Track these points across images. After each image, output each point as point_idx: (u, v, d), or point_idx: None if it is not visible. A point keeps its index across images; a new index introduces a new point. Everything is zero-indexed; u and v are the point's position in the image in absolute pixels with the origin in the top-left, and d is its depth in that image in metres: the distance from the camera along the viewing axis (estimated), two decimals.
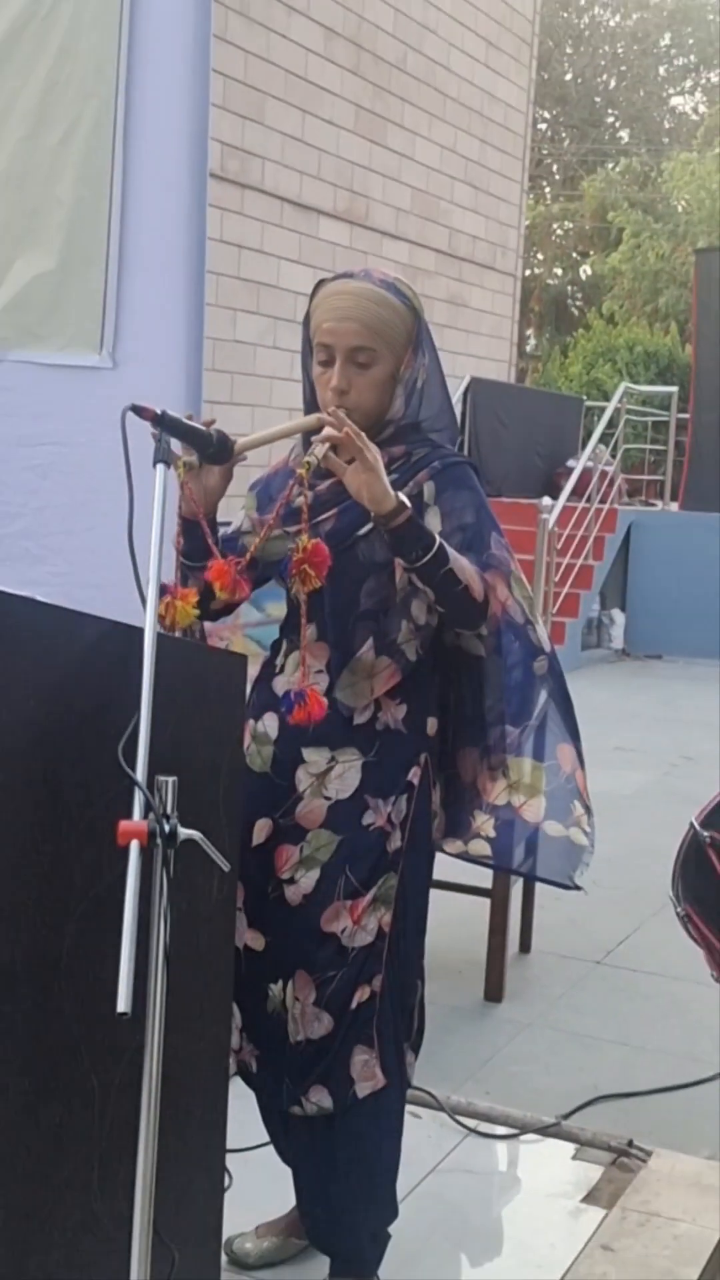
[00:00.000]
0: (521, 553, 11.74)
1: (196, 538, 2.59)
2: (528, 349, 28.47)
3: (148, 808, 1.96)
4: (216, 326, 10.62)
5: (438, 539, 2.50)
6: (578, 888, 2.82)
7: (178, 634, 2.55)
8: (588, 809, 2.80)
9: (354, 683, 2.63)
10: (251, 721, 2.73)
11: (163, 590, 2.43)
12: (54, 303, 3.73)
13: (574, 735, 2.80)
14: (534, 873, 2.83)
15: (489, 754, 2.77)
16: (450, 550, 2.52)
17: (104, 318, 3.73)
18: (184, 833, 1.99)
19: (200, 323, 3.90)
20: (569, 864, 2.80)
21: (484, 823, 2.78)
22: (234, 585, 2.48)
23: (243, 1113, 2.87)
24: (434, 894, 2.87)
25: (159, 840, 1.96)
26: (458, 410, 12.55)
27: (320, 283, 2.67)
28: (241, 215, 11.15)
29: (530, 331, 29.54)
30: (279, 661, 2.74)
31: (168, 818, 1.98)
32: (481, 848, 2.78)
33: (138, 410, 2.29)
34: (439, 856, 2.84)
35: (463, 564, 2.55)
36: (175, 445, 2.45)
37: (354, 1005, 2.65)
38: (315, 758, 2.66)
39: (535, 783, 2.75)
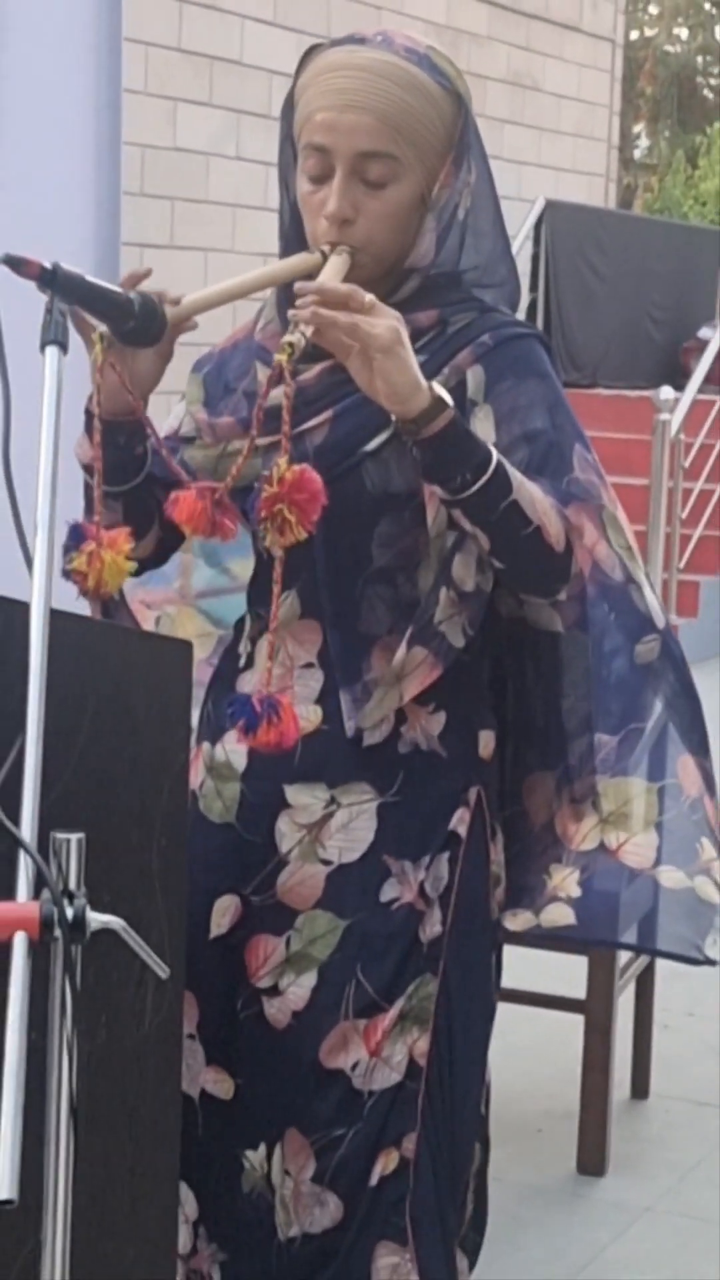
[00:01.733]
0: (630, 475, 11.82)
1: (118, 447, 2.60)
2: (636, 155, 28.47)
3: (40, 882, 1.96)
4: (147, 128, 10.62)
5: (495, 455, 2.52)
6: (710, 961, 2.84)
7: (96, 604, 2.57)
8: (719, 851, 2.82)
9: (382, 694, 2.65)
10: (206, 745, 2.74)
11: (79, 534, 2.46)
12: None
13: (701, 746, 2.82)
14: (643, 942, 2.84)
15: (571, 780, 2.80)
16: (514, 473, 2.54)
17: None
18: (97, 919, 1.98)
19: (117, 120, 3.91)
20: (694, 928, 2.82)
21: (565, 878, 2.80)
22: (211, 524, 2.50)
23: None
24: (502, 1011, 2.88)
25: (59, 931, 1.97)
26: (525, 252, 12.58)
27: (312, 49, 2.68)
28: None
29: (640, 128, 29.54)
30: (244, 649, 2.75)
31: (71, 896, 1.98)
32: (560, 914, 2.80)
33: (15, 263, 2.29)
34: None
35: (532, 493, 2.56)
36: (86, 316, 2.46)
37: (374, 1181, 2.66)
38: (306, 800, 2.68)
39: (645, 812, 2.78)
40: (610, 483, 2.76)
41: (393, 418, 2.49)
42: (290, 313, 2.46)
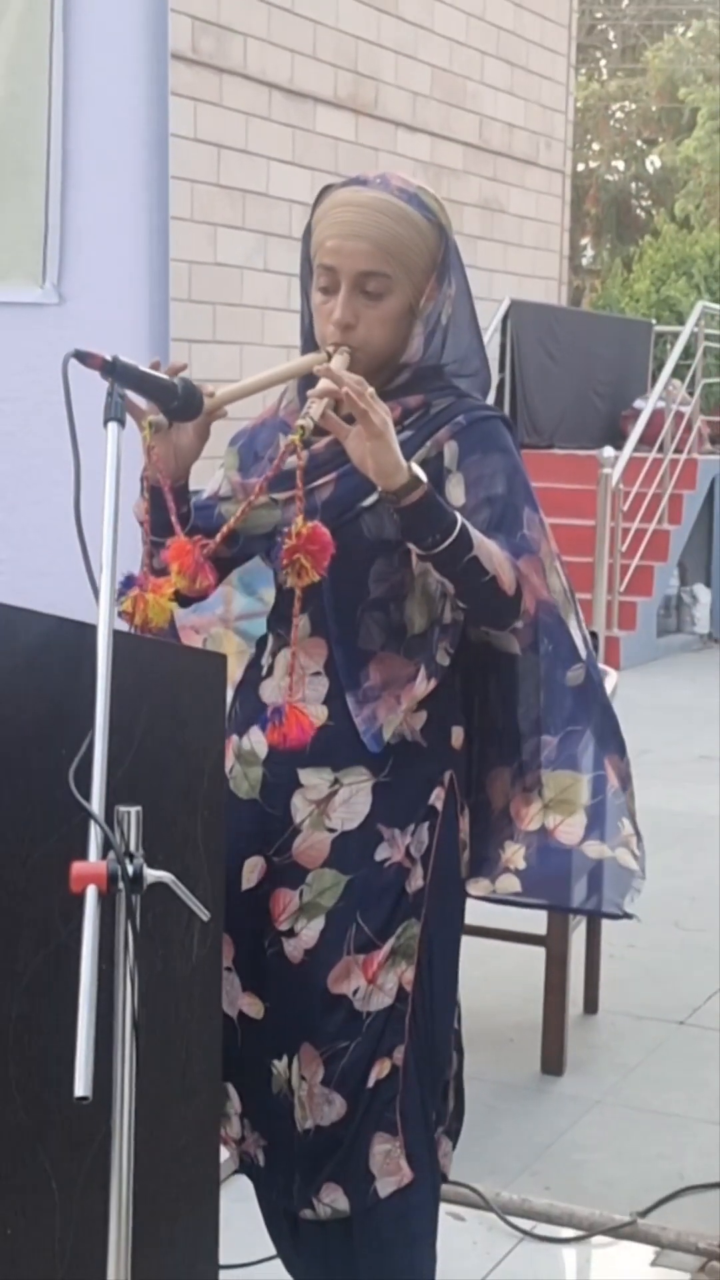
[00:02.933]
0: (580, 517, 11.76)
1: (164, 509, 2.62)
2: (583, 263, 28.45)
3: (107, 845, 1.98)
4: (192, 247, 10.65)
5: (459, 520, 2.53)
6: (628, 915, 2.85)
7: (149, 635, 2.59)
8: (638, 832, 2.83)
9: (397, 720, 2.66)
10: (235, 737, 2.75)
11: (129, 582, 2.47)
12: None
13: (619, 749, 2.82)
14: (570, 903, 2.85)
15: (523, 772, 2.80)
16: (474, 533, 2.55)
17: (45, 242, 3.74)
18: (152, 875, 2.01)
19: (165, 243, 3.92)
20: (617, 890, 2.83)
21: (514, 853, 2.81)
22: (196, 570, 2.51)
23: (242, 1219, 2.90)
24: (479, 945, 2.90)
25: (121, 885, 1.99)
26: (495, 341, 12.58)
27: (325, 189, 2.69)
28: (219, 107, 11.18)
29: (586, 241, 29.51)
30: (265, 662, 2.76)
31: (131, 856, 2.00)
32: (510, 883, 2.81)
33: (82, 357, 2.32)
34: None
35: (490, 549, 2.57)
36: (139, 399, 2.48)
37: (371, 1084, 2.67)
38: (314, 781, 2.68)
39: (573, 797, 2.78)
40: (564, 523, 2.78)
41: (379, 490, 2.50)
42: (314, 391, 2.48)
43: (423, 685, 2.67)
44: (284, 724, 2.47)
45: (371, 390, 2.45)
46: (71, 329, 3.64)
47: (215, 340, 10.87)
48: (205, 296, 10.94)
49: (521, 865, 2.81)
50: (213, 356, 10.58)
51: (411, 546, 2.56)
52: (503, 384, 12.97)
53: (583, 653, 2.77)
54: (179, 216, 9.75)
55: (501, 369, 12.91)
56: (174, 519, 2.60)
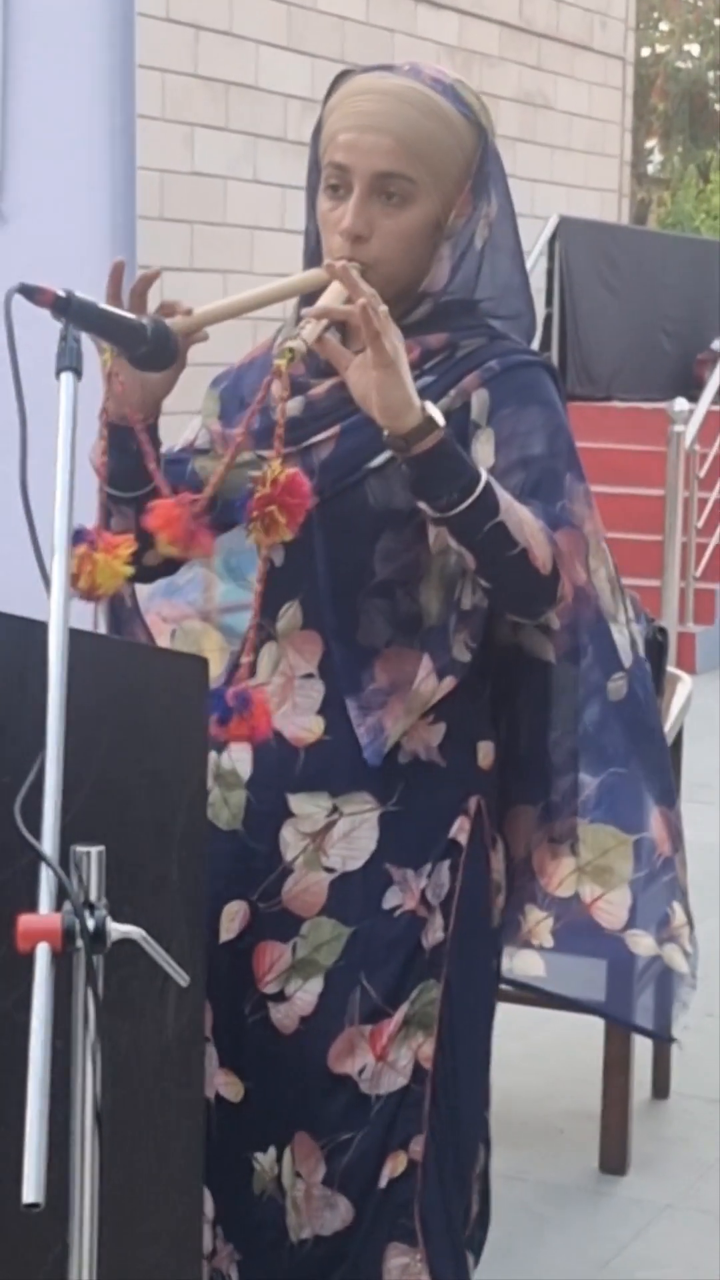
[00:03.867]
0: (646, 485, 11.76)
1: (129, 454, 2.64)
2: (648, 170, 28.42)
3: (62, 893, 1.99)
4: (164, 152, 10.64)
5: (483, 476, 2.52)
6: (672, 1039, 2.83)
7: (100, 607, 2.58)
8: (689, 919, 2.84)
9: (406, 721, 2.67)
10: (212, 754, 2.73)
11: (78, 537, 2.48)
12: None
13: (665, 795, 2.83)
14: (607, 1009, 2.85)
15: (551, 817, 2.81)
16: (503, 494, 2.54)
17: None
18: (118, 930, 2.01)
19: (131, 146, 3.92)
20: (661, 998, 2.82)
21: (538, 924, 2.84)
22: (188, 536, 2.52)
23: None
24: (520, 1013, 2.89)
25: (80, 942, 1.99)
26: (540, 269, 12.57)
27: (342, 74, 2.71)
28: None
29: (652, 144, 29.48)
30: (244, 660, 2.75)
31: (92, 907, 2.00)
32: (531, 964, 2.85)
33: (29, 293, 2.32)
34: None
35: (521, 516, 2.56)
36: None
37: (383, 1183, 2.68)
38: (309, 809, 2.70)
39: (616, 865, 2.78)
40: (625, 493, 2.79)
41: (385, 434, 2.49)
42: (311, 309, 2.50)
43: (432, 685, 2.66)
44: (252, 715, 2.47)
45: (385, 309, 2.44)
46: (15, 255, 3.64)
47: (193, 267, 10.85)
48: (181, 213, 10.92)
49: (548, 943, 2.84)
50: (190, 286, 10.53)
51: (423, 507, 2.54)
52: (549, 321, 12.96)
53: (626, 660, 2.77)
54: (147, 115, 9.73)
55: (548, 303, 12.91)
56: (150, 467, 2.62)
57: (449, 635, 2.68)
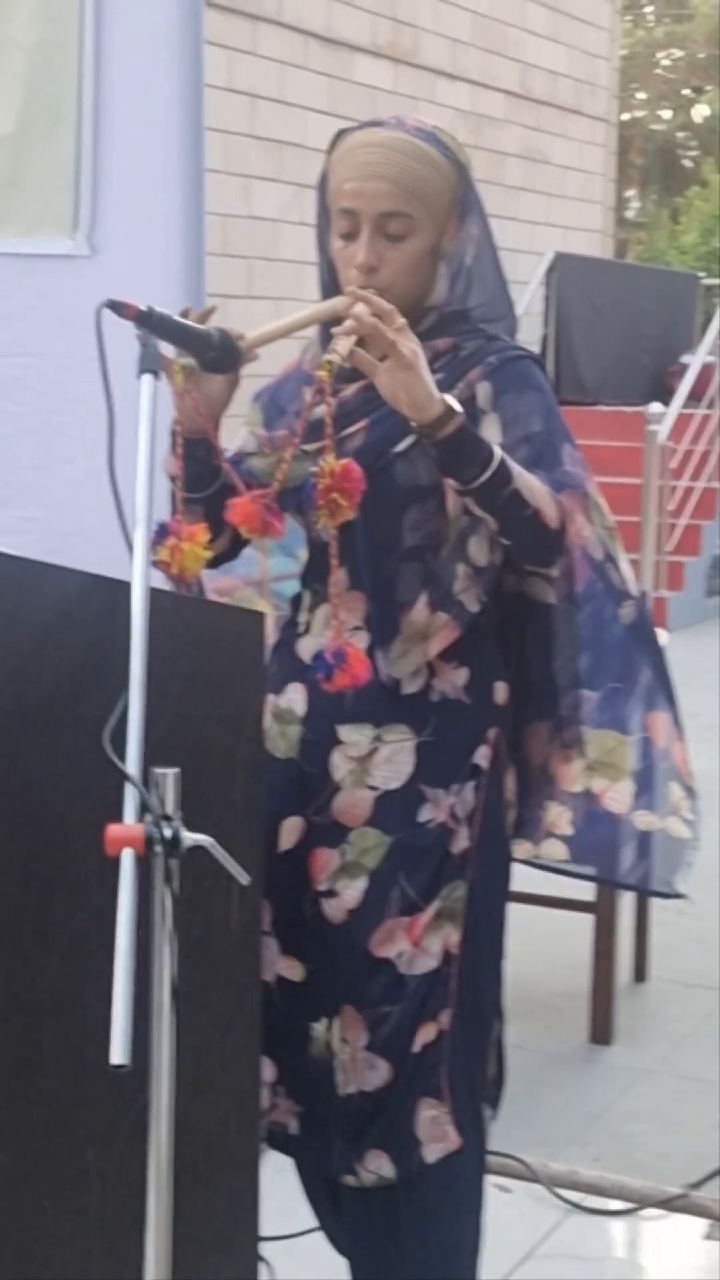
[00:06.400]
0: (626, 475, 11.67)
1: (198, 460, 2.62)
2: (628, 214, 28.29)
3: (144, 808, 1.98)
4: (227, 199, 10.61)
5: (498, 452, 2.52)
6: (680, 895, 2.83)
7: (174, 588, 2.58)
8: (689, 790, 2.82)
9: (406, 650, 2.65)
10: (272, 697, 2.74)
11: (164, 531, 2.47)
12: (13, 175, 3.74)
13: (670, 700, 2.81)
14: (619, 877, 2.84)
15: (562, 728, 2.79)
16: (514, 465, 2.54)
17: (78, 192, 3.73)
18: (190, 838, 2.00)
19: (200, 194, 3.91)
20: (667, 865, 2.81)
21: (558, 816, 2.80)
22: (264, 525, 2.51)
23: (283, 1189, 2.90)
24: (525, 911, 2.89)
25: (159, 848, 1.98)
26: (539, 296, 12.53)
27: (340, 134, 2.69)
28: (254, 56, 11.13)
29: (631, 192, 29.35)
30: (303, 619, 2.76)
31: (169, 819, 2.00)
32: (556, 849, 2.80)
33: (116, 307, 2.31)
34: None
35: (531, 482, 2.56)
36: (168, 349, 2.47)
37: (417, 1048, 2.67)
38: (355, 738, 2.68)
39: (619, 761, 2.77)
40: (609, 482, 2.77)
41: (413, 424, 2.49)
42: (339, 328, 2.48)
43: (424, 615, 2.64)
44: (349, 665, 2.46)
45: (402, 321, 2.45)
46: (103, 282, 3.63)
47: (251, 295, 10.84)
48: (240, 251, 10.91)
49: (568, 830, 2.80)
50: (249, 312, 10.55)
51: (450, 482, 2.55)
52: (546, 339, 12.94)
53: (633, 589, 2.77)
54: (213, 169, 9.65)
55: (546, 324, 12.88)
56: (228, 470, 2.62)
57: (452, 582, 2.66)
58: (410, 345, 2.44)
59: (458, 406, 2.49)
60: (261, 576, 3.02)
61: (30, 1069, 2.17)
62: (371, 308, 2.44)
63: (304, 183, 11.47)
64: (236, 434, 2.85)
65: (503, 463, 2.51)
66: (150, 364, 2.28)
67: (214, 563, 2.75)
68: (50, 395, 3.73)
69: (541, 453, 2.65)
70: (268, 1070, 2.75)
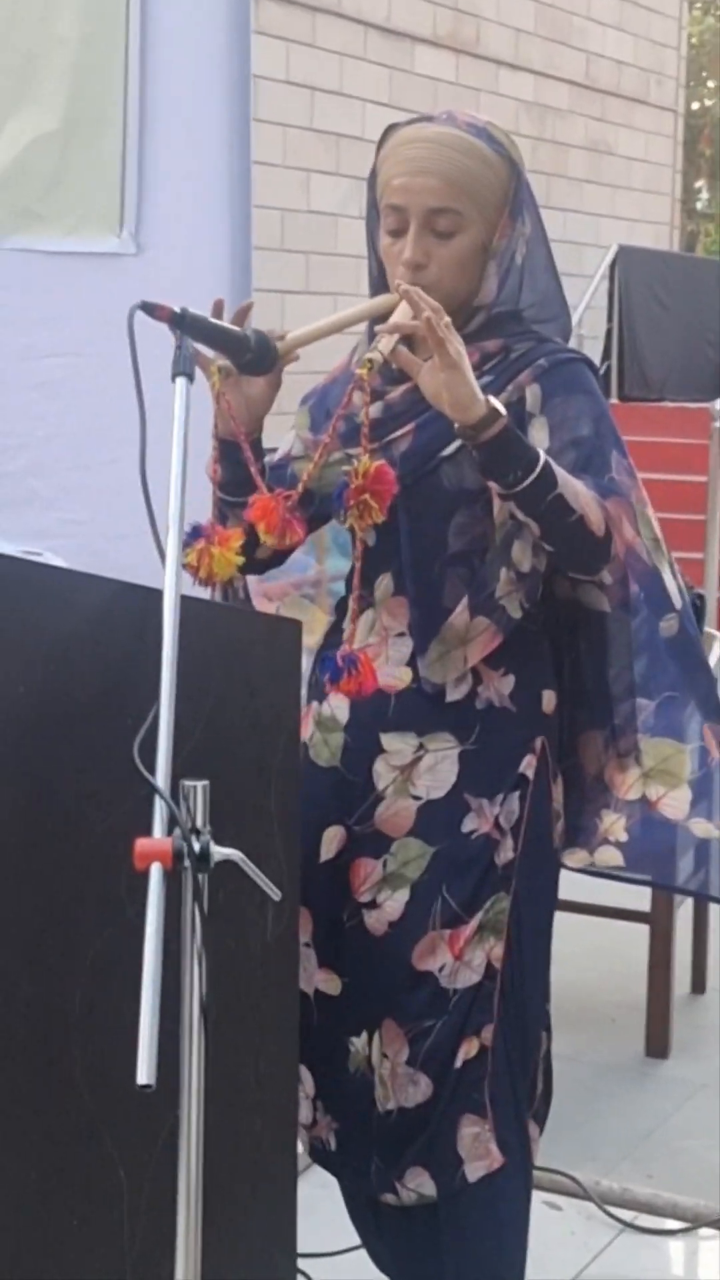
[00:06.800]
0: (692, 473, 11.51)
1: (236, 464, 2.61)
2: (697, 206, 28.16)
3: (172, 821, 1.97)
4: (285, 194, 10.61)
5: (542, 456, 2.50)
6: None
7: (215, 593, 2.57)
8: None
9: (444, 652, 2.64)
10: (314, 704, 2.74)
11: (195, 533, 2.46)
12: (58, 173, 3.74)
13: (715, 714, 2.77)
14: (673, 881, 2.83)
15: (617, 737, 2.77)
16: (559, 470, 2.52)
17: (123, 190, 3.73)
18: (220, 852, 1.99)
19: (247, 189, 3.90)
20: None
21: (613, 823, 2.78)
22: (283, 527, 2.48)
23: (322, 1206, 2.89)
24: (580, 921, 2.87)
25: (187, 862, 1.97)
26: (602, 289, 12.47)
27: (390, 129, 2.68)
28: (312, 47, 11.12)
29: (701, 183, 29.21)
30: (346, 626, 2.73)
31: (198, 833, 1.99)
32: (611, 856, 2.78)
33: (149, 309, 2.31)
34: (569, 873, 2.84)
35: (576, 488, 2.54)
36: (211, 352, 2.47)
37: (459, 1063, 2.65)
38: (398, 746, 2.67)
39: (676, 769, 2.74)
40: (674, 480, 2.74)
41: (456, 426, 2.47)
42: (383, 325, 2.47)
43: (464, 619, 2.62)
44: (359, 672, 2.44)
45: (448, 320, 2.42)
46: (149, 280, 3.63)
47: (308, 290, 10.83)
48: (298, 245, 10.90)
49: (623, 837, 2.78)
50: (306, 308, 10.54)
51: (492, 485, 2.53)
52: (610, 334, 12.86)
53: (676, 602, 2.74)
54: (269, 162, 9.72)
55: (609, 319, 12.80)
56: (254, 471, 2.59)
57: (495, 586, 2.64)
58: (455, 345, 2.42)
59: (502, 409, 2.47)
60: (318, 577, 3.01)
61: (60, 1084, 2.16)
62: (417, 306, 2.42)
63: (363, 176, 11.40)
64: (284, 436, 2.84)
65: (547, 467, 2.50)
66: (184, 367, 2.27)
67: (260, 567, 2.76)
68: (94, 396, 3.72)
69: (590, 458, 2.63)
70: (308, 1084, 2.75)
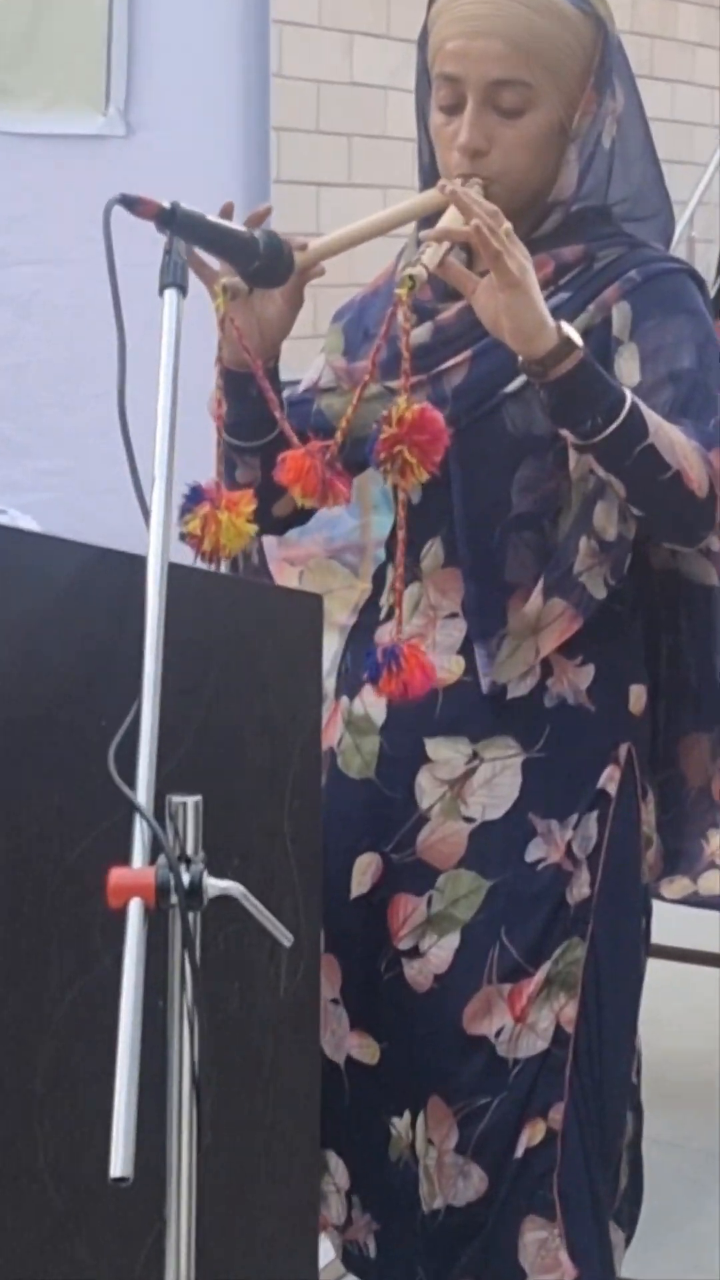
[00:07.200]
0: None
1: (248, 401, 2.60)
2: None
3: (156, 846, 1.96)
4: (321, 61, 10.59)
5: (629, 397, 2.47)
6: None
7: (223, 565, 2.57)
8: None
9: (515, 644, 2.63)
10: (345, 700, 2.75)
11: (197, 495, 2.46)
12: (30, 35, 3.75)
13: None
14: None
15: None
16: (651, 415, 2.49)
17: (109, 60, 3.74)
18: (216, 885, 1.97)
19: (264, 54, 3.90)
20: None
21: None
22: (323, 487, 2.47)
23: None
24: (680, 971, 2.87)
25: (174, 898, 1.96)
26: (700, 184, 12.43)
27: None
28: None
29: None
30: (385, 600, 2.75)
31: (188, 861, 1.97)
32: (718, 882, 2.78)
33: (130, 203, 2.28)
34: (661, 907, 2.85)
35: (672, 437, 2.51)
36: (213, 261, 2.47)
37: (520, 1153, 2.66)
38: (447, 754, 2.67)
39: None
40: None
41: (519, 359, 2.44)
42: (430, 231, 2.44)
43: (537, 605, 2.62)
44: (403, 669, 2.41)
45: (508, 225, 2.39)
46: (143, 168, 3.64)
47: (350, 183, 10.82)
48: (338, 126, 10.89)
49: None
50: (347, 203, 10.54)
51: (566, 434, 2.51)
52: None
53: None
54: (299, 21, 9.70)
55: None
56: (275, 411, 2.58)
57: (573, 560, 2.62)
58: (517, 258, 2.39)
59: (577, 338, 2.44)
60: (361, 541, 3.01)
61: (21, 1176, 2.17)
62: (466, 209, 2.39)
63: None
64: (312, 362, 2.83)
65: (634, 410, 2.46)
66: (174, 276, 2.25)
67: (280, 526, 2.75)
68: (75, 315, 3.73)
69: (690, 396, 2.60)
70: (341, 1175, 2.77)
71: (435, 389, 2.56)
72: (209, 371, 2.58)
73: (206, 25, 3.79)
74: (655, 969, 2.87)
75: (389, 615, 2.72)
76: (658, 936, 2.89)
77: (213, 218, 2.41)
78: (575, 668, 2.66)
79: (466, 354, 2.61)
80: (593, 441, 2.47)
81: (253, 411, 2.61)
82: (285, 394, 2.71)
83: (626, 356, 2.60)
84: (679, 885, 2.83)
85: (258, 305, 2.58)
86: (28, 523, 2.78)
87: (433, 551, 2.66)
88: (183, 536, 2.45)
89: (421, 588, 2.66)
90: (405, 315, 2.41)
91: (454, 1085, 2.66)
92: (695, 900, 2.85)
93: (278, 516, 2.67)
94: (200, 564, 2.47)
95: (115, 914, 1.91)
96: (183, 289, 2.26)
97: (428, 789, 2.67)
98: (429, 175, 2.70)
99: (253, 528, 2.47)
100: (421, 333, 2.57)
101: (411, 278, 2.38)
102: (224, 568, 2.61)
